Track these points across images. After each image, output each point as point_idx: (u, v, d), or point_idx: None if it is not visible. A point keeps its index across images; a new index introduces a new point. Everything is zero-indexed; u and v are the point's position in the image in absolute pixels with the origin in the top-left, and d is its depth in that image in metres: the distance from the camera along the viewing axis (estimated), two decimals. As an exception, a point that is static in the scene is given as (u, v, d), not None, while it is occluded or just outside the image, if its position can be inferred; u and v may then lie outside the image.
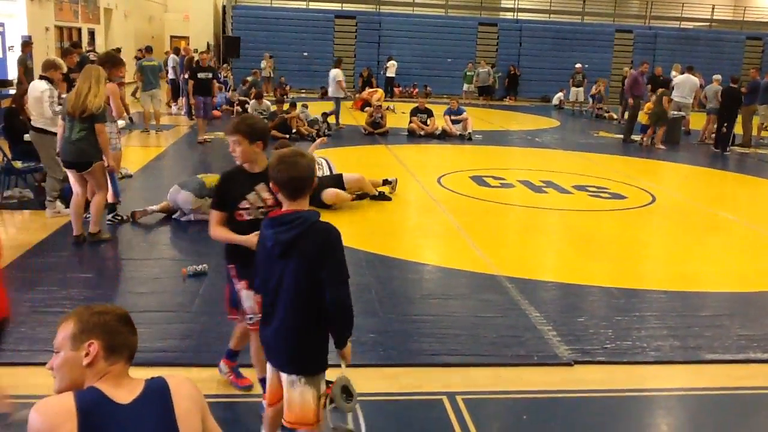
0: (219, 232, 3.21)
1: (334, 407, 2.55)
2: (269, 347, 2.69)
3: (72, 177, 6.13)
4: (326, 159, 8.55)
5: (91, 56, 12.97)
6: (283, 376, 2.64)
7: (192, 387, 1.93)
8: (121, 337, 1.88)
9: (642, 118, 15.23)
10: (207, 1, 27.94)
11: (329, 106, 15.81)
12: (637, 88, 15.43)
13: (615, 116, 19.92)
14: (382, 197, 8.30)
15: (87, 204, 6.23)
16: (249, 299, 3.22)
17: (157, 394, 1.85)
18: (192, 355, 4.09)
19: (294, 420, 2.62)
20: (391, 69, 24.97)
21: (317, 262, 2.49)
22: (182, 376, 1.98)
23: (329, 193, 7.69)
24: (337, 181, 8.04)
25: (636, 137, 15.15)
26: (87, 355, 1.83)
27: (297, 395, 2.60)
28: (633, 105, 15.40)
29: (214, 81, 13.15)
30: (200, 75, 12.61)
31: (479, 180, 9.93)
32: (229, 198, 3.20)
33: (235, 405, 3.61)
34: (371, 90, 20.88)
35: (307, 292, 2.53)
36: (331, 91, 15.84)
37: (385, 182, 8.62)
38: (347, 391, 2.57)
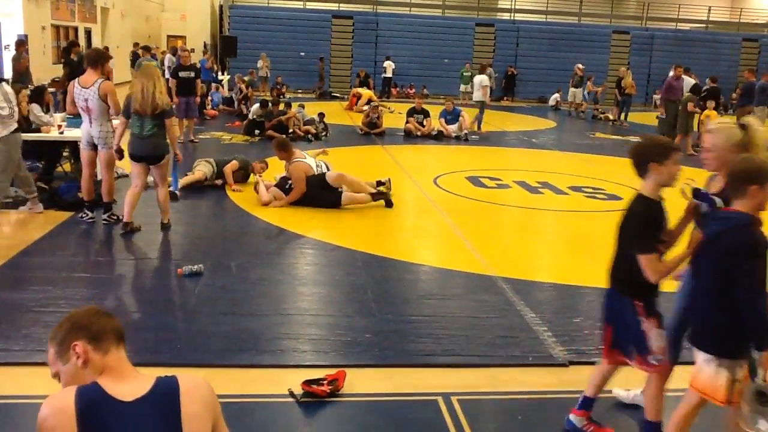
0: (661, 267, 3.02)
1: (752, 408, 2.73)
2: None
3: (137, 170, 6.49)
4: (324, 161, 8.55)
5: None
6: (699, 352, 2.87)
7: (206, 390, 1.89)
8: (96, 325, 1.88)
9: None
10: (204, 0, 27.91)
11: (324, 106, 15.81)
12: (672, 93, 14.59)
13: (611, 117, 19.96)
14: (382, 196, 7.98)
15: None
16: (659, 339, 3.08)
17: (165, 394, 1.82)
18: (187, 354, 4.09)
19: (700, 389, 2.86)
20: (389, 69, 24.99)
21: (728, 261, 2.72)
22: (199, 377, 1.94)
23: (332, 176, 7.86)
24: (320, 181, 7.87)
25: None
26: (78, 357, 1.82)
27: (711, 372, 2.81)
28: (666, 110, 14.54)
29: (198, 80, 12.90)
30: (182, 74, 12.06)
31: (475, 180, 9.94)
32: (660, 234, 3.07)
33: (232, 405, 3.60)
34: (359, 91, 20.69)
35: (716, 282, 2.77)
36: (477, 96, 16.13)
37: (379, 183, 8.59)
38: (762, 395, 2.70)
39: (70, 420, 1.69)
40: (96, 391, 1.77)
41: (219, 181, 8.56)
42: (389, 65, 25.00)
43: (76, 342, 1.84)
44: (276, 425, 3.49)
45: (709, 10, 30.80)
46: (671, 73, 15.05)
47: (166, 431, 1.78)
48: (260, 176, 8.27)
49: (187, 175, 8.58)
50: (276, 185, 7.99)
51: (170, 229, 6.65)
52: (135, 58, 19.35)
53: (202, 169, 8.61)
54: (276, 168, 8.63)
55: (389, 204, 7.92)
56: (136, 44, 19.56)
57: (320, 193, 7.76)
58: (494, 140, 15.24)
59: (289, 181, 7.88)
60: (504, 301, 5.18)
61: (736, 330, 2.75)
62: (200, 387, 1.88)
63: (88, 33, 22.21)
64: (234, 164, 8.61)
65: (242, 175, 8.74)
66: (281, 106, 13.91)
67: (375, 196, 7.97)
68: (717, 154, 3.15)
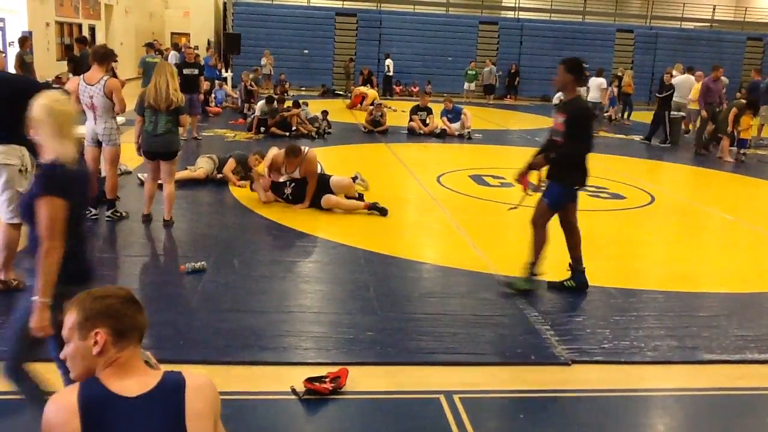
0: None
1: None
2: None
3: (150, 166, 6.72)
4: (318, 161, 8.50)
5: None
6: None
7: (211, 389, 1.89)
8: (127, 320, 1.86)
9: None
10: (208, -3, 27.92)
11: (328, 104, 15.79)
12: (710, 96, 14.17)
13: (612, 116, 19.90)
14: (376, 209, 7.58)
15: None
16: None
17: (171, 390, 1.81)
18: (189, 351, 4.09)
19: None
20: (389, 67, 24.95)
21: None
22: (204, 376, 1.92)
23: (330, 201, 7.52)
24: (323, 183, 7.67)
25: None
26: (95, 344, 1.80)
27: None
28: (707, 114, 14.10)
29: (201, 78, 12.83)
30: (185, 71, 11.94)
31: (478, 179, 9.93)
32: None
33: (234, 402, 3.61)
34: (364, 90, 20.52)
35: None
36: (594, 97, 17.10)
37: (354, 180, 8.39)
38: None
39: (74, 417, 1.69)
40: (98, 387, 1.76)
41: (219, 175, 8.65)
42: (389, 63, 24.96)
43: (98, 329, 1.81)
44: (278, 423, 3.49)
45: (714, 9, 30.70)
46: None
47: (169, 428, 1.77)
48: (256, 172, 8.26)
49: (187, 168, 8.62)
50: (272, 189, 7.85)
51: (173, 226, 6.68)
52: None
53: (203, 167, 8.66)
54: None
55: (384, 213, 7.56)
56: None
57: (317, 194, 7.61)
58: (497, 139, 15.23)
59: (286, 188, 7.77)
60: (506, 300, 5.18)
61: None
62: (206, 386, 1.88)
63: (92, 30, 22.22)
64: (231, 164, 8.61)
65: (243, 171, 8.72)
66: (287, 104, 13.89)
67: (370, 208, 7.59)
68: None
